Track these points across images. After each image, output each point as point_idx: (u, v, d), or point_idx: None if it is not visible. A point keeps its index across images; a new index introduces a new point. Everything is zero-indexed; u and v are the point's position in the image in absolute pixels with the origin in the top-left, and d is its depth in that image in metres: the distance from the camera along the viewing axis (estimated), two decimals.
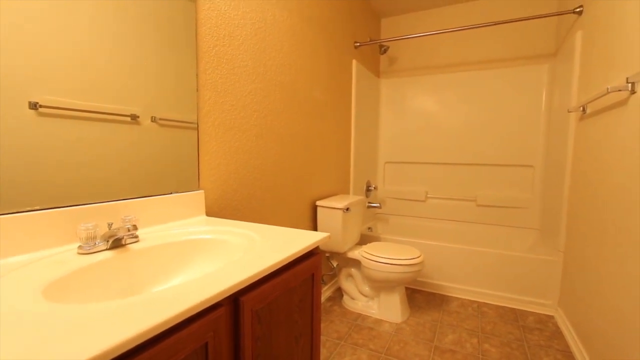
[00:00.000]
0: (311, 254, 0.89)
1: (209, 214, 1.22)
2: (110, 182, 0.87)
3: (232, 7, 1.29)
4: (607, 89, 1.22)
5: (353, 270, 2.09)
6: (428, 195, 2.99)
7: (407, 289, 2.38)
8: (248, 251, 0.76)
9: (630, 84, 1.13)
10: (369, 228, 2.83)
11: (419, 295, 2.27)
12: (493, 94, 2.68)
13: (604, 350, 1.31)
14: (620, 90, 1.19)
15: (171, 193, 1.04)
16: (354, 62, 2.49)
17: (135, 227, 0.78)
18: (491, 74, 2.67)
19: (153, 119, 0.98)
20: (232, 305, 0.60)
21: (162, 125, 1.01)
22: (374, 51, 2.99)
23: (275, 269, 0.70)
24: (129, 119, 0.91)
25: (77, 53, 0.79)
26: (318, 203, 1.97)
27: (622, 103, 1.26)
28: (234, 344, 0.61)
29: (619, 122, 1.29)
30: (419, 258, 1.87)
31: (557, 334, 1.81)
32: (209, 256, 0.86)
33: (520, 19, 2.06)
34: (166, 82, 1.02)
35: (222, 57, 1.25)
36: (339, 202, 1.94)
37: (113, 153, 0.88)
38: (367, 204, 2.79)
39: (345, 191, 2.51)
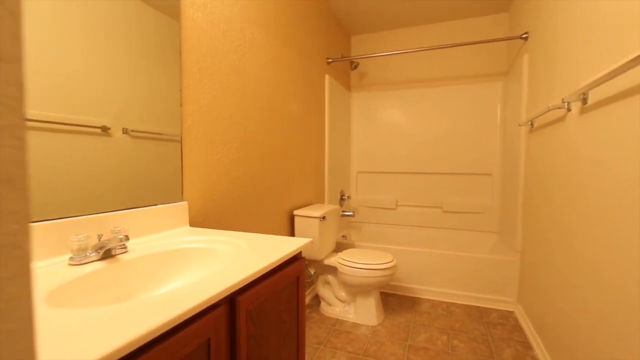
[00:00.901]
0: (295, 259, 0.95)
1: (192, 224, 1.25)
2: (97, 195, 0.89)
3: (213, 26, 1.35)
4: (548, 107, 1.40)
5: (330, 277, 2.16)
6: (398, 203, 3.14)
7: (381, 293, 2.48)
8: (237, 257, 0.82)
9: (566, 103, 1.31)
10: (344, 236, 2.92)
11: (392, 299, 2.37)
12: (454, 108, 2.91)
13: (557, 339, 1.47)
14: (559, 108, 1.38)
15: (156, 204, 1.07)
16: (327, 77, 2.61)
17: (127, 238, 0.81)
18: (452, 90, 2.90)
19: (125, 131, 1.00)
20: (229, 305, 0.65)
21: (147, 139, 1.04)
22: (345, 67, 3.14)
23: (265, 271, 0.76)
24: (100, 130, 0.94)
25: (71, 71, 0.82)
26: (295, 212, 2.03)
27: (561, 119, 1.46)
28: (231, 340, 0.66)
29: (559, 134, 1.48)
30: (392, 262, 1.98)
31: (517, 327, 1.98)
32: (199, 264, 0.90)
33: (475, 42, 2.28)
34: (154, 97, 1.05)
35: (204, 73, 1.31)
36: (315, 211, 2.02)
37: (99, 166, 0.90)
38: (341, 213, 2.88)
39: (320, 200, 2.59)
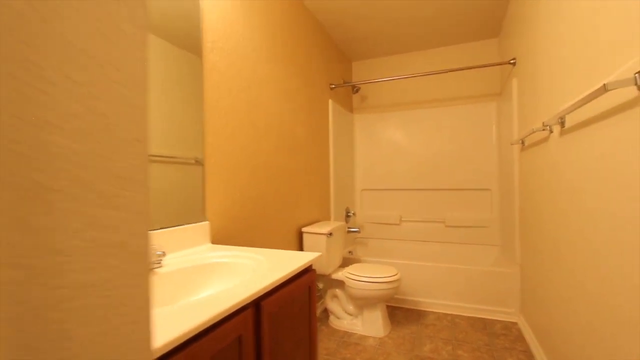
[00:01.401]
0: (307, 271, 1.08)
1: (213, 241, 1.39)
2: None
3: (230, 67, 1.54)
4: (532, 129, 1.54)
5: (338, 291, 2.26)
6: (402, 219, 3.26)
7: (387, 306, 2.56)
8: (257, 270, 0.95)
9: (547, 126, 1.45)
10: (350, 251, 3.03)
11: (399, 312, 2.46)
12: (452, 127, 3.06)
13: (555, 348, 1.55)
14: (542, 130, 1.52)
15: (183, 224, 1.22)
16: (330, 101, 2.79)
17: (164, 254, 0.95)
18: (450, 110, 3.07)
19: (155, 158, 1.16)
20: (255, 308, 0.78)
21: (170, 163, 1.20)
22: (347, 90, 3.34)
23: (283, 281, 0.89)
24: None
25: None
26: (303, 229, 2.16)
27: (545, 140, 1.59)
28: (256, 338, 0.79)
29: (544, 154, 1.61)
30: (397, 275, 2.08)
31: (520, 337, 2.05)
32: (225, 275, 1.03)
33: (467, 67, 2.46)
34: (181, 128, 1.22)
35: (222, 108, 1.48)
36: (323, 228, 2.14)
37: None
38: (347, 229, 3.00)
39: (326, 217, 2.72)
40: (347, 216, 3.11)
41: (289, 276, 0.92)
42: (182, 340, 0.54)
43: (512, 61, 2.27)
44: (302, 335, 1.03)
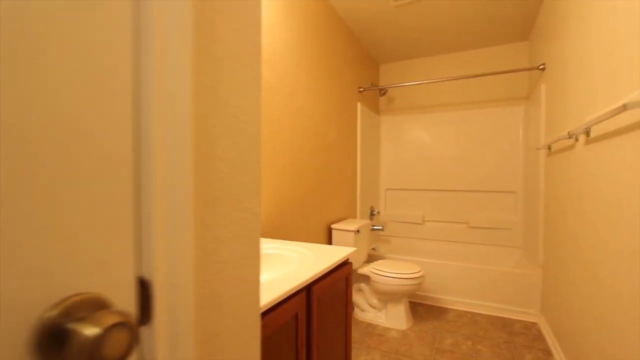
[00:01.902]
0: (345, 263, 1.22)
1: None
2: None
3: (277, 79, 1.69)
4: (559, 137, 1.61)
5: (363, 285, 2.40)
6: (425, 219, 3.34)
7: (410, 302, 2.68)
8: (304, 261, 1.10)
9: (573, 135, 1.52)
10: (373, 248, 3.15)
11: (420, 308, 2.57)
12: (478, 129, 3.10)
13: (574, 347, 1.62)
14: (568, 138, 1.59)
15: None
16: (359, 104, 2.91)
17: None
18: (476, 113, 3.11)
19: None
20: (307, 291, 0.93)
21: None
22: (375, 93, 3.43)
23: (327, 270, 1.03)
24: None
25: None
26: (333, 226, 2.31)
27: (572, 147, 1.66)
28: (307, 316, 0.94)
29: (571, 161, 1.67)
30: (420, 272, 2.19)
31: (539, 337, 2.12)
32: (277, 264, 1.19)
33: (497, 72, 2.51)
34: None
35: (267, 117, 1.64)
36: (350, 225, 2.28)
37: None
38: (371, 227, 3.12)
39: (352, 215, 2.85)
40: (372, 214, 3.23)
41: (332, 267, 1.06)
42: (263, 310, 0.70)
43: (541, 67, 2.31)
44: (341, 318, 1.18)
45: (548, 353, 1.92)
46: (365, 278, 2.37)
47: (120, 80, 0.33)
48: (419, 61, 3.37)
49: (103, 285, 0.32)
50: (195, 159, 0.41)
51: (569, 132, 1.52)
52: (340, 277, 1.16)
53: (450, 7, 2.39)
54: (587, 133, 1.42)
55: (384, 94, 3.46)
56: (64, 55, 0.28)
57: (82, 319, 0.28)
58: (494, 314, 2.44)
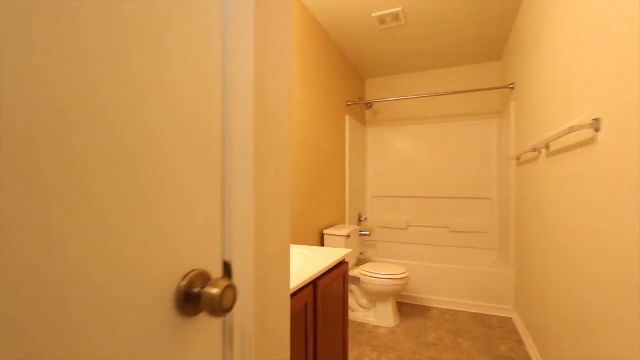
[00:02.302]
0: (342, 263, 1.39)
1: None
2: None
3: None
4: (524, 150, 1.84)
5: (353, 287, 2.56)
6: (409, 224, 3.55)
7: (396, 302, 2.85)
8: (308, 260, 1.26)
9: (536, 150, 1.75)
10: (361, 253, 3.32)
11: (406, 307, 2.75)
12: (457, 141, 3.36)
13: (546, 337, 1.84)
14: (533, 151, 1.82)
15: None
16: (347, 117, 3.11)
17: None
18: (455, 126, 3.37)
19: None
20: (314, 286, 1.09)
21: None
22: (362, 106, 3.65)
23: (329, 268, 1.19)
24: None
25: None
26: (325, 232, 2.47)
27: (536, 159, 1.89)
28: (314, 307, 1.09)
29: (535, 171, 1.91)
30: (406, 273, 2.38)
31: (514, 330, 2.33)
32: None
33: (471, 90, 2.77)
34: None
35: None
36: (341, 231, 2.45)
37: None
38: (359, 233, 3.30)
39: (342, 221, 3.02)
40: (360, 221, 3.41)
41: (333, 265, 1.22)
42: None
43: (510, 86, 2.57)
44: (340, 310, 1.33)
45: (521, 343, 2.13)
46: (355, 280, 2.54)
47: (214, 115, 0.49)
48: (402, 77, 3.62)
49: (206, 265, 0.47)
50: (255, 176, 0.57)
51: (532, 147, 1.75)
52: (339, 275, 1.32)
53: (430, 31, 2.64)
54: (548, 147, 1.66)
55: (370, 107, 3.69)
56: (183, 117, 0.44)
57: (205, 284, 0.43)
58: (473, 311, 2.65)
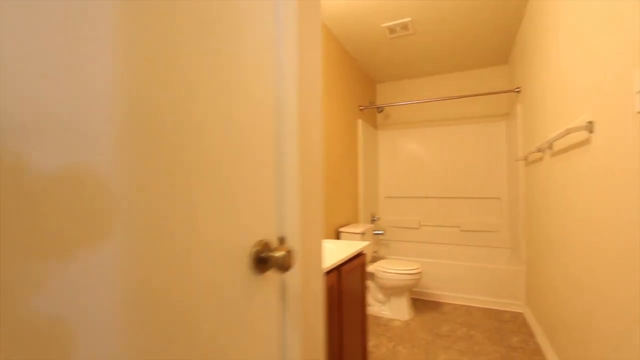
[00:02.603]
0: (360, 254, 1.53)
1: None
2: None
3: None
4: (530, 151, 1.96)
5: (368, 282, 2.69)
6: (421, 224, 3.67)
7: (410, 298, 2.96)
8: (330, 251, 1.41)
9: (541, 150, 1.87)
10: (375, 251, 3.45)
11: (420, 303, 2.86)
12: (467, 143, 3.47)
13: (556, 329, 1.94)
14: (538, 151, 1.93)
15: None
16: (360, 121, 3.26)
17: None
18: (464, 128, 3.48)
19: None
20: (338, 270, 1.24)
21: None
22: (373, 110, 3.80)
23: (350, 257, 1.34)
24: None
25: None
26: (341, 229, 2.61)
27: (541, 159, 2.00)
28: (338, 290, 1.24)
29: (541, 170, 2.02)
30: (419, 269, 2.50)
31: (525, 324, 2.42)
32: None
33: (479, 94, 2.88)
34: None
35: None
36: (356, 229, 2.59)
37: None
38: (373, 232, 3.43)
39: (355, 221, 3.16)
40: (373, 220, 3.54)
41: (353, 255, 1.37)
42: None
43: (517, 89, 2.68)
44: (359, 294, 1.48)
45: (531, 335, 2.22)
46: (370, 275, 2.67)
47: (270, 124, 0.65)
48: (412, 81, 3.75)
49: (267, 237, 0.63)
50: (300, 170, 0.72)
51: (537, 147, 1.87)
52: (359, 264, 1.47)
53: (438, 38, 2.78)
54: (551, 148, 1.77)
55: (381, 111, 3.83)
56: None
57: (268, 251, 0.59)
58: (485, 306, 2.74)
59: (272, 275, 0.63)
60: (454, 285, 2.86)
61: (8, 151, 0.26)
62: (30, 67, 0.28)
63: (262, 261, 0.59)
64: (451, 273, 2.87)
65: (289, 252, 0.58)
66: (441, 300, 2.89)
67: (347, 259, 1.30)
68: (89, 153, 0.32)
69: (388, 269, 2.50)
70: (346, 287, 1.31)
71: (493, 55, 3.12)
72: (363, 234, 2.61)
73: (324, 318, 0.83)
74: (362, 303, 1.52)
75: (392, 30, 2.62)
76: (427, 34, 2.70)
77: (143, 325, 0.38)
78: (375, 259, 3.13)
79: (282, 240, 0.67)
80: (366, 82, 3.57)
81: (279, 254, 0.57)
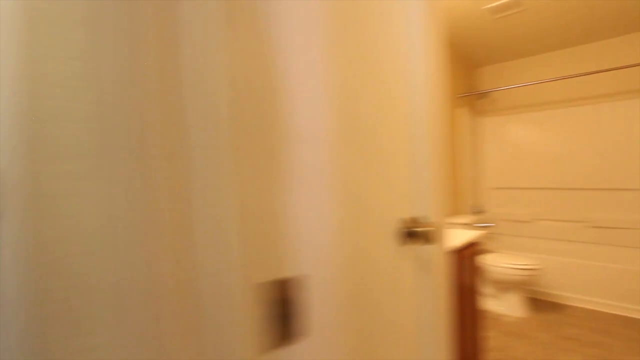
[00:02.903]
0: (474, 243, 1.56)
1: None
2: None
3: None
4: None
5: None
6: (535, 217, 3.33)
7: (527, 297, 2.76)
8: (453, 235, 1.47)
9: None
10: (482, 244, 3.29)
11: (535, 302, 2.64)
12: (589, 126, 3.00)
13: None
14: None
15: None
16: (461, 109, 3.14)
17: None
18: (586, 109, 3.02)
19: None
20: (458, 252, 1.31)
21: None
22: (474, 97, 3.59)
23: (467, 243, 1.39)
24: None
25: None
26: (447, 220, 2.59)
27: None
28: (459, 265, 1.32)
29: None
30: (537, 266, 2.31)
31: None
32: None
33: (606, 69, 2.49)
34: None
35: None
36: (461, 220, 2.54)
37: None
38: (479, 224, 3.27)
39: (459, 212, 3.07)
40: (478, 212, 3.38)
41: (470, 241, 1.42)
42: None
43: None
44: (474, 280, 1.51)
45: None
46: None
47: (406, 123, 0.78)
48: (519, 62, 3.42)
49: (408, 216, 0.76)
50: (433, 161, 0.83)
51: None
52: (475, 251, 1.50)
53: (553, 10, 2.49)
54: None
55: (484, 97, 3.60)
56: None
57: (418, 225, 0.72)
58: (621, 313, 2.39)
59: (409, 247, 0.76)
60: (582, 286, 2.56)
61: None
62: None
63: (410, 235, 0.72)
64: (578, 273, 2.57)
65: (432, 230, 0.70)
66: (562, 302, 2.62)
67: (465, 243, 1.36)
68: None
69: (500, 263, 2.39)
70: (465, 269, 1.37)
71: (623, 20, 2.64)
72: (468, 225, 2.54)
73: (446, 289, 0.92)
74: (476, 291, 1.54)
75: (495, 10, 2.47)
76: (538, 7, 2.45)
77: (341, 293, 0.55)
78: (482, 252, 3.00)
79: (414, 220, 0.79)
80: (465, 68, 3.40)
81: (424, 230, 0.70)
